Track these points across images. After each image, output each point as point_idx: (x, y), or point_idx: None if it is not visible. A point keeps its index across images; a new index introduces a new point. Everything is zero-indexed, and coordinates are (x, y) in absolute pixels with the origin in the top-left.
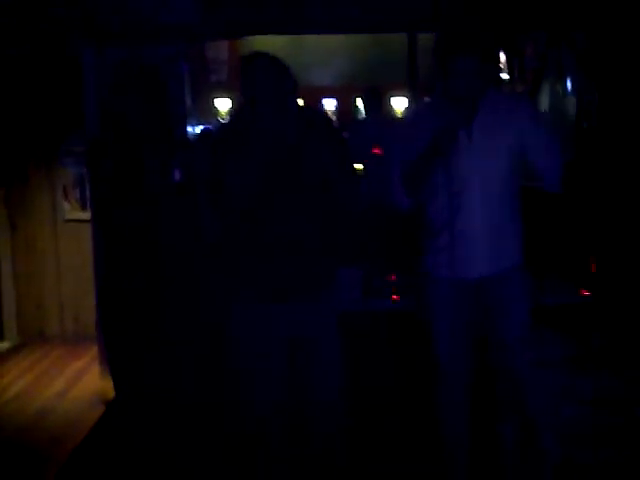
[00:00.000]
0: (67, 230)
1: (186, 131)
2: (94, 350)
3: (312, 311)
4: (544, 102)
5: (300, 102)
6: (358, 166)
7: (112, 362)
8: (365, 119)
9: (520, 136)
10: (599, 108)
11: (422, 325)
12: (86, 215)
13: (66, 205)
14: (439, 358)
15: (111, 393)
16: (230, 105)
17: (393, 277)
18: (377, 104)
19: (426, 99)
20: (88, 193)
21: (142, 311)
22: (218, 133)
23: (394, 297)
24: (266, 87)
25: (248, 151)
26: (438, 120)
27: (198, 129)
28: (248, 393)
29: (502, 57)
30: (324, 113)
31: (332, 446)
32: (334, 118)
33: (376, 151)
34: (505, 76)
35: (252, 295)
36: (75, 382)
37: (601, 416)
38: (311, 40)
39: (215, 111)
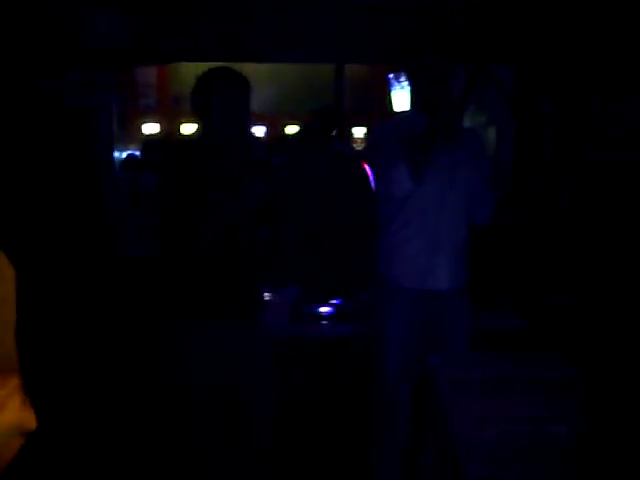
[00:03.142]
0: None
1: (112, 156)
2: (15, 381)
3: (245, 331)
4: None
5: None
6: None
7: (32, 393)
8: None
9: (470, 168)
10: (515, 139)
11: (371, 343)
12: None
13: None
14: (386, 378)
15: (32, 424)
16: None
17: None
18: (331, 126)
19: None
20: None
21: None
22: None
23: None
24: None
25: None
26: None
27: (124, 154)
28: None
29: None
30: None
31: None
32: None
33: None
34: None
35: (188, 314)
36: None
37: (520, 434)
38: (239, 67)
39: (143, 136)
